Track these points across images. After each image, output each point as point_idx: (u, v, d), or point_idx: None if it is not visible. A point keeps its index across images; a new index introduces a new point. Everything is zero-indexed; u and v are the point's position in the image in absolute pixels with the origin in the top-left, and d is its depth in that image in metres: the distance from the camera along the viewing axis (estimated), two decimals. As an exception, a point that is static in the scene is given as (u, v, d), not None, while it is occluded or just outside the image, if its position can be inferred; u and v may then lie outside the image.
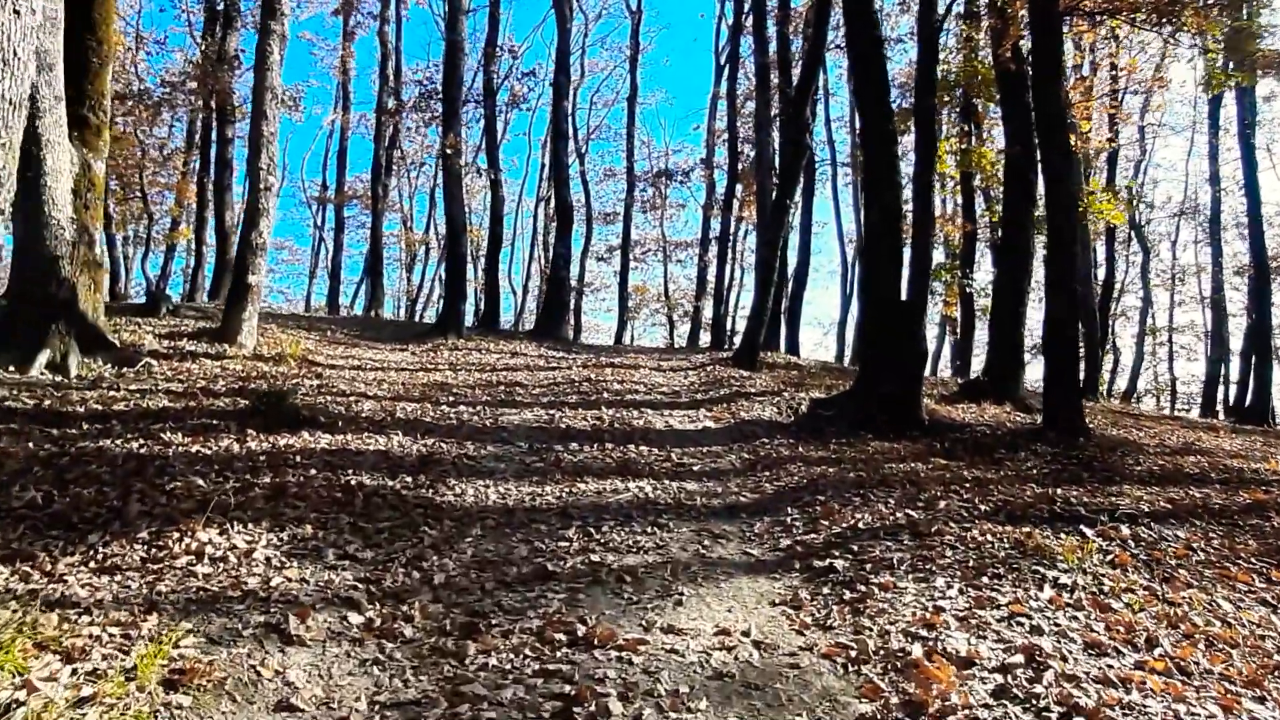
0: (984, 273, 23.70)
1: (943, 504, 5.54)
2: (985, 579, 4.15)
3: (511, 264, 41.50)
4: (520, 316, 37.27)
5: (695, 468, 7.03)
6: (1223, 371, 24.72)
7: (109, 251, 24.05)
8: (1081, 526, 5.16)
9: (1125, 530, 5.15)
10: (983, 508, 5.50)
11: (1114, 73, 22.92)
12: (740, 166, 22.35)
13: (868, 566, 4.32)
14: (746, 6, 21.98)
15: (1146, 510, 5.75)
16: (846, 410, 9.33)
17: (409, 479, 5.67)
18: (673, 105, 46.01)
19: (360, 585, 3.82)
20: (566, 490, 5.84)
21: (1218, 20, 8.19)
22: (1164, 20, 8.73)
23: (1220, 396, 24.69)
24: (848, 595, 3.98)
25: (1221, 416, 22.23)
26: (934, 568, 4.28)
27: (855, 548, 4.63)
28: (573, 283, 31.86)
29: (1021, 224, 11.40)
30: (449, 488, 5.58)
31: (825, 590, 4.09)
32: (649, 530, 4.99)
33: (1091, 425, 9.23)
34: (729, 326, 28.70)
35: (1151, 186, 32.37)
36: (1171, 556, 4.74)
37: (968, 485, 6.27)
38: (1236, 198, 27.76)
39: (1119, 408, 18.24)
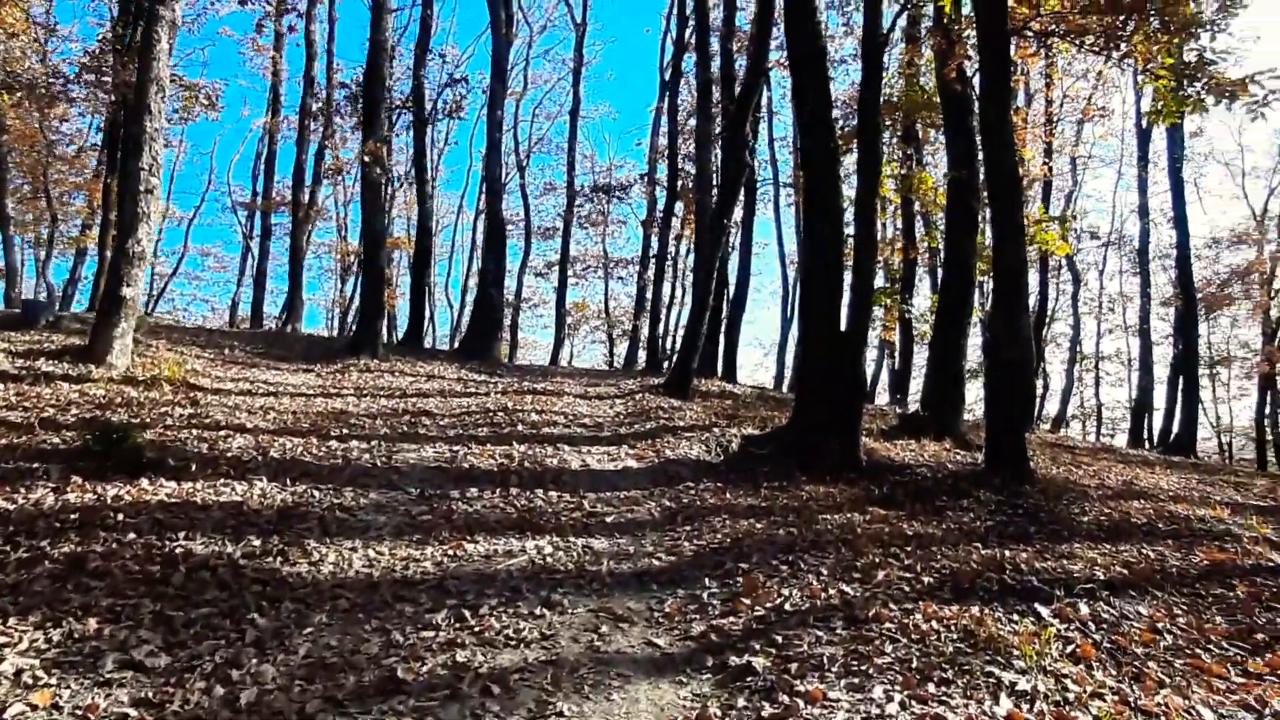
0: (922, 297, 23.60)
1: (881, 574, 4.85)
2: (932, 685, 3.44)
3: (449, 278, 40.32)
4: (456, 332, 36.07)
5: (609, 519, 6.24)
6: (1149, 400, 24.99)
7: (6, 254, 22.33)
8: (1036, 605, 4.52)
9: (1084, 609, 4.53)
10: (926, 580, 4.82)
11: (1049, 104, 23.14)
12: (680, 184, 21.78)
13: (793, 667, 3.57)
14: (690, 23, 21.51)
15: (1103, 579, 5.15)
16: (780, 449, 8.66)
17: (257, 542, 4.75)
18: (616, 119, 45.69)
19: (134, 711, 2.92)
20: (450, 553, 4.98)
21: (1169, 46, 7.81)
22: (1112, 45, 8.34)
23: (1146, 424, 24.93)
24: (767, 711, 3.23)
25: (1148, 446, 22.39)
26: (871, 669, 3.56)
27: (780, 638, 3.88)
28: (510, 298, 30.93)
29: (963, 252, 10.96)
30: (305, 554, 4.68)
31: (741, 702, 3.33)
32: (538, 611, 4.17)
33: (1032, 464, 8.75)
34: (668, 346, 28.08)
35: (1082, 216, 32.91)
36: (1137, 643, 4.12)
37: (909, 546, 5.60)
38: (1164, 230, 28.35)
39: (1054, 439, 18.07)
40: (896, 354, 21.77)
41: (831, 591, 4.51)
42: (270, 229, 26.17)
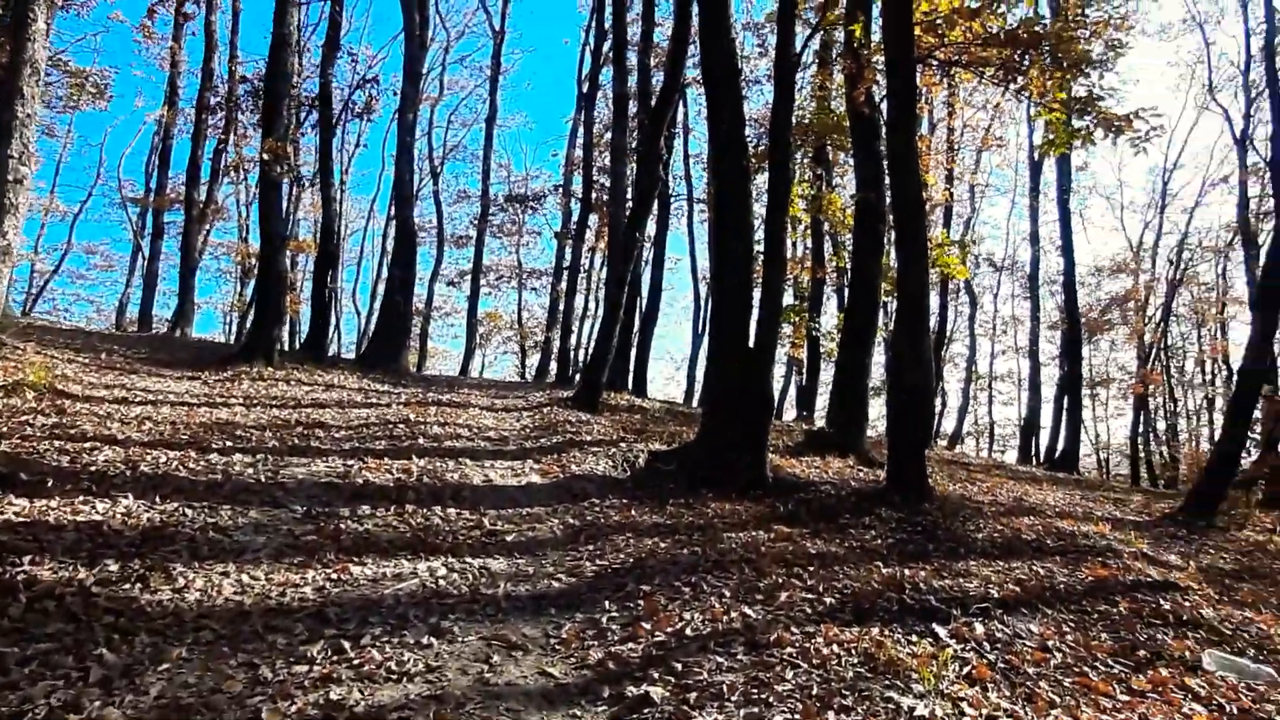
0: (829, 316, 24.13)
1: (784, 595, 4.78)
2: (831, 714, 3.36)
3: (357, 284, 39.13)
4: (363, 340, 34.93)
5: (509, 538, 6.00)
6: (1037, 419, 26.19)
7: None
8: (934, 625, 4.53)
9: (980, 628, 4.56)
10: (828, 600, 4.78)
11: (950, 132, 24.13)
12: (595, 196, 21.69)
13: (692, 697, 3.44)
14: (609, 37, 21.51)
15: (997, 596, 5.23)
16: (687, 465, 8.59)
17: (114, 567, 4.33)
18: (533, 130, 45.34)
19: (-59, 770, 2.55)
20: (334, 578, 4.66)
21: (1062, 81, 8.15)
22: (1010, 77, 8.66)
23: (1034, 441, 26.11)
24: (662, 745, 3.08)
25: (1036, 462, 23.44)
26: (772, 698, 3.45)
27: (680, 665, 3.75)
28: (420, 307, 30.15)
29: (869, 273, 11.18)
30: (169, 579, 4.29)
31: (636, 736, 3.17)
32: (425, 640, 3.91)
33: (931, 482, 8.94)
34: (579, 358, 27.88)
35: (980, 242, 34.43)
36: (1030, 663, 4.17)
37: (812, 566, 5.57)
38: (1052, 257, 29.89)
39: (950, 455, 18.71)
40: (804, 370, 22.15)
41: (734, 614, 4.40)
42: (163, 228, 24.80)
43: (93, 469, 5.97)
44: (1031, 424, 24.99)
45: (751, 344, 8.65)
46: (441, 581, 4.80)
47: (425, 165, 32.01)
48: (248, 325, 32.60)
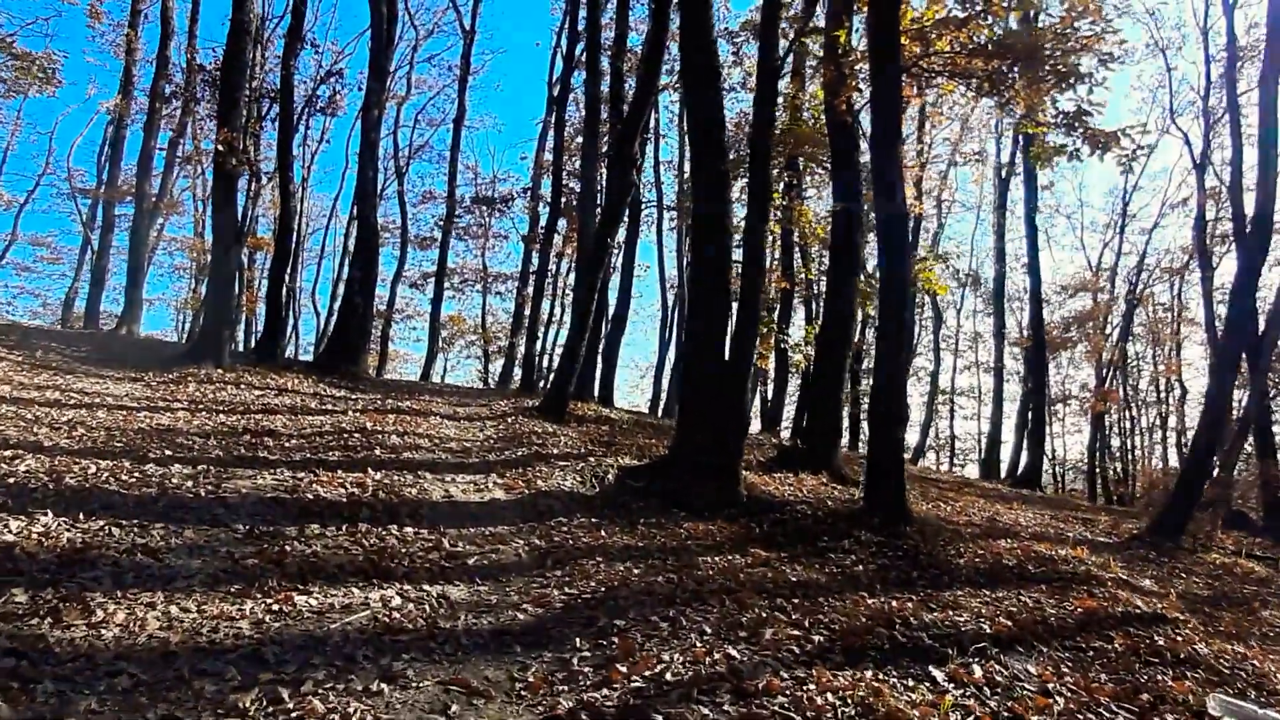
0: (796, 327, 23.95)
1: (769, 632, 4.43)
2: (831, 778, 3.02)
3: (317, 284, 38.16)
4: (322, 341, 34.02)
5: (470, 560, 5.59)
6: (999, 434, 26.30)
7: None
8: (930, 667, 4.22)
9: (977, 670, 4.27)
10: (816, 638, 4.44)
11: (920, 145, 24.15)
12: (565, 200, 21.29)
13: (675, 758, 3.07)
14: (581, 40, 21.17)
15: (989, 632, 4.95)
16: (659, 482, 8.24)
17: (22, 599, 3.83)
18: (502, 132, 44.64)
19: None
20: (276, 608, 4.21)
21: (1051, 94, 7.98)
22: (997, 89, 8.47)
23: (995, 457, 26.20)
24: (643, 819, 2.70)
25: (998, 478, 23.47)
26: (764, 759, 3.10)
27: (661, 717, 3.38)
28: (381, 309, 29.41)
29: (845, 285, 10.95)
30: (86, 612, 3.80)
31: (612, 806, 2.79)
32: (375, 686, 3.49)
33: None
34: (545, 365, 27.39)
35: (952, 258, 34.71)
36: (1033, 709, 3.89)
37: (795, 597, 5.25)
38: (1016, 274, 30.16)
39: (916, 470, 18.59)
40: (770, 383, 21.93)
41: (717, 655, 4.04)
42: (114, 221, 23.81)
43: (10, 481, 5.43)
44: (995, 440, 25.07)
45: (727, 357, 8.34)
46: (395, 614, 4.37)
47: (390, 165, 31.28)
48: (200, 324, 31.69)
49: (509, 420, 11.51)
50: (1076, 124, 7.80)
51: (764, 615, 4.73)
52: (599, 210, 17.48)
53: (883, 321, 7.81)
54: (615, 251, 16.15)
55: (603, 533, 6.72)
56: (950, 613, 5.25)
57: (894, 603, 5.28)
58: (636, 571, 5.63)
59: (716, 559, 6.27)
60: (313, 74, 23.77)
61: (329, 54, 28.10)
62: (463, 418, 11.59)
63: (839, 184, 11.46)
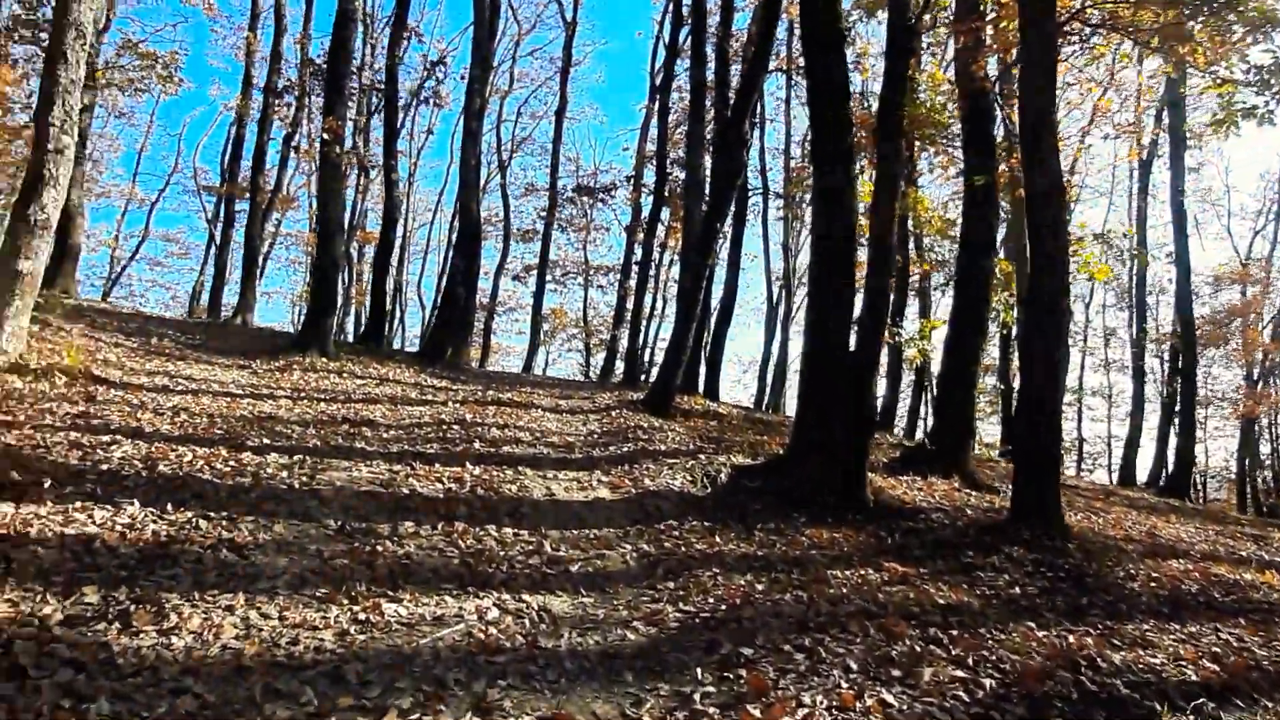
0: (909, 320, 22.62)
1: (928, 672, 3.70)
2: None
3: (422, 276, 38.93)
4: (426, 332, 34.66)
5: (574, 567, 5.05)
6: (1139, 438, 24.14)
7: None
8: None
9: (1199, 736, 3.42)
10: (987, 682, 3.68)
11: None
12: (669, 189, 20.69)
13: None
14: (686, 23, 20.52)
15: (1195, 679, 4.05)
16: (776, 483, 7.54)
17: (94, 598, 3.50)
18: (604, 124, 44.39)
19: None
20: (363, 618, 3.77)
21: (1239, 48, 6.84)
22: (1172, 43, 7.35)
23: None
24: None
25: (1136, 484, 21.53)
26: None
27: (807, 782, 2.72)
28: (484, 301, 29.63)
29: (980, 271, 9.94)
30: (158, 616, 3.44)
31: None
32: (466, 721, 2.97)
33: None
34: (646, 359, 26.93)
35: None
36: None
37: (950, 625, 4.47)
38: (1161, 264, 27.73)
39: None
40: (883, 379, 20.76)
41: (869, 701, 3.35)
42: (234, 216, 24.71)
43: (103, 468, 5.22)
44: (1133, 443, 23.01)
45: (852, 350, 7.55)
46: (492, 629, 3.86)
47: (493, 158, 31.54)
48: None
49: (613, 414, 11.00)
50: (1273, 80, 6.63)
51: (917, 649, 3.98)
52: (705, 198, 16.84)
53: (1036, 289, 6.83)
54: (721, 240, 15.41)
55: (717, 539, 6.08)
56: (1141, 652, 4.36)
57: (1070, 637, 4.43)
58: (760, 587, 4.96)
59: (848, 573, 5.53)
60: (418, 70, 24.07)
61: (434, 51, 28.47)
62: (565, 411, 11.16)
63: (971, 160, 10.41)
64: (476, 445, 7.92)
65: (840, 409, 7.47)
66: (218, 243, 26.09)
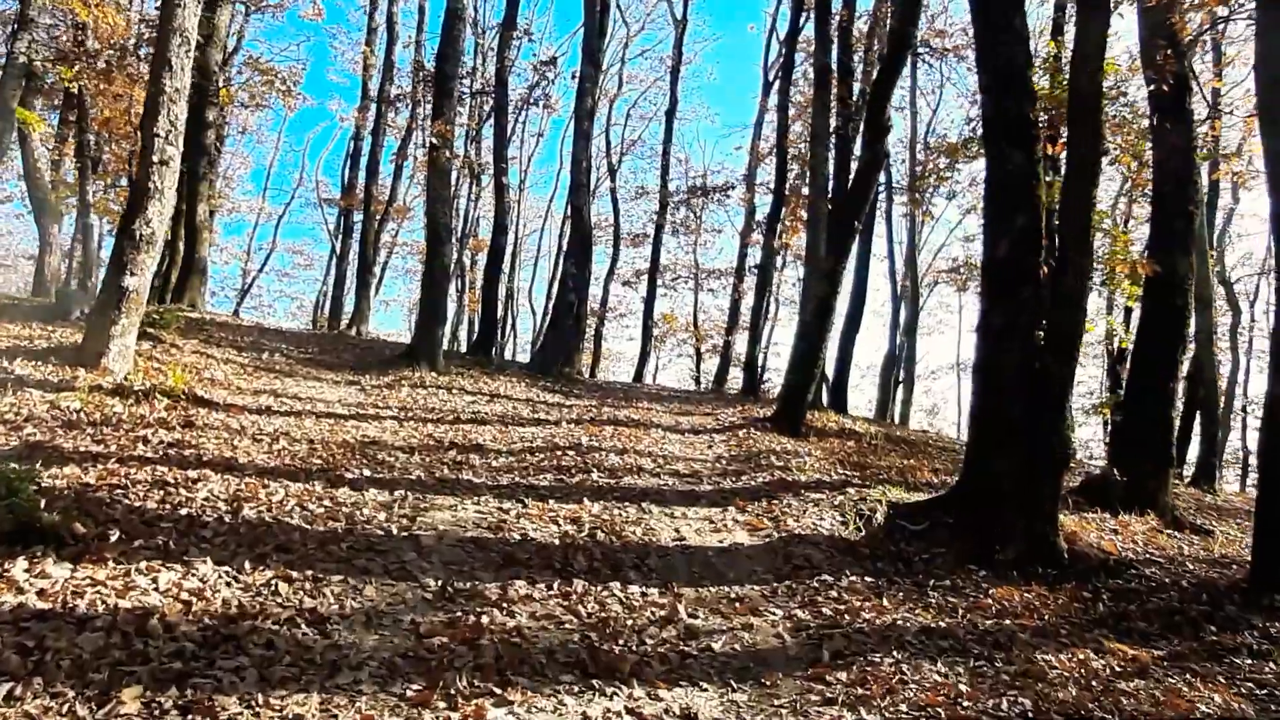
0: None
1: None
2: None
3: (533, 283, 38.89)
4: (539, 340, 34.52)
5: (717, 644, 4.10)
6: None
7: (85, 242, 21.72)
8: None
9: None
10: None
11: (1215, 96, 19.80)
12: (789, 186, 19.45)
13: None
14: (805, 10, 19.27)
15: None
16: (945, 525, 6.36)
17: (133, 706, 2.78)
18: (714, 123, 43.14)
19: None
20: (459, 735, 2.92)
21: None
22: None
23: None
24: None
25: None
26: None
27: None
28: (594, 307, 29.11)
29: (1177, 271, 8.39)
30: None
31: None
32: None
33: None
34: (761, 363, 25.72)
35: (1236, 239, 29.09)
36: None
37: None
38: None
39: (1219, 500, 14.85)
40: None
41: None
42: (352, 227, 25.10)
43: (183, 513, 4.62)
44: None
45: (1038, 366, 6.28)
46: (623, 750, 2.94)
47: (603, 163, 31.06)
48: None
49: (739, 434, 9.98)
50: None
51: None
52: (828, 195, 15.59)
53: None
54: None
55: (885, 602, 4.99)
56: None
57: None
58: (962, 683, 3.86)
59: (1063, 657, 4.35)
60: (528, 76, 23.73)
61: (544, 55, 28.17)
62: (686, 430, 10.22)
63: (1163, 143, 8.86)
64: (594, 475, 7.07)
65: (1024, 434, 6.22)
66: (338, 253, 26.63)
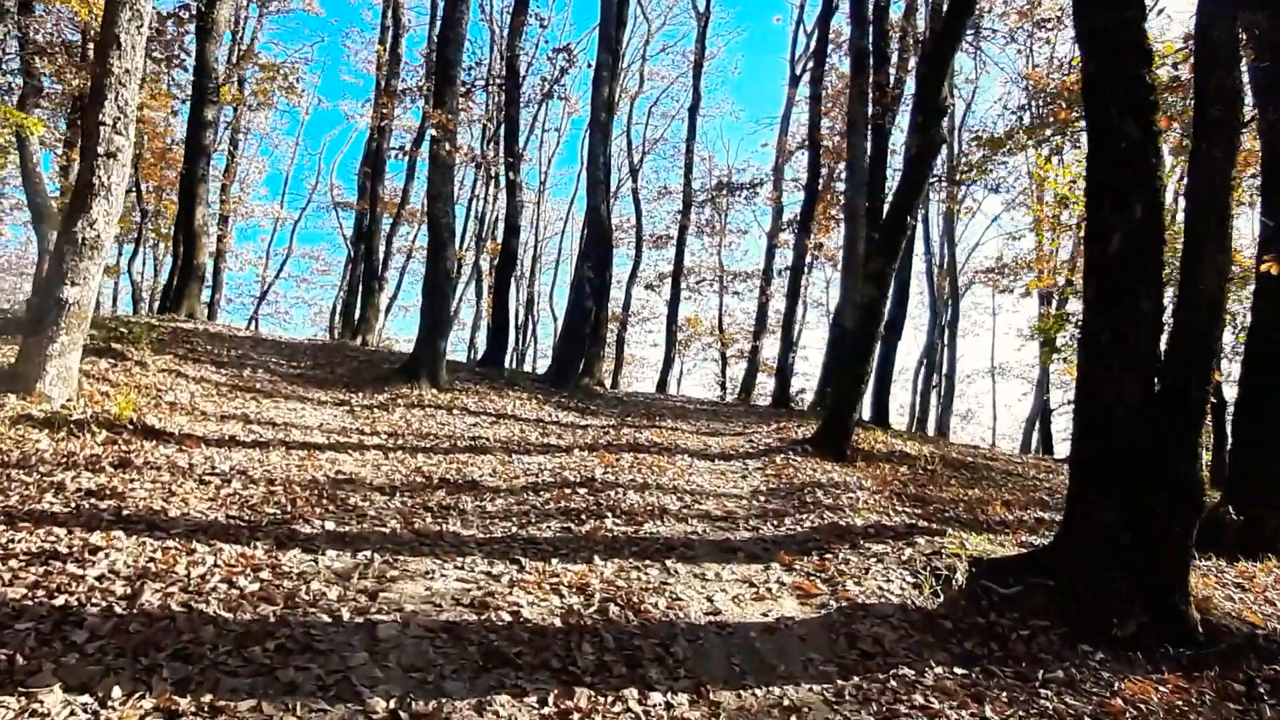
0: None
1: None
2: None
3: (554, 288, 37.85)
4: (556, 348, 33.40)
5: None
6: None
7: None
8: None
9: None
10: None
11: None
12: (822, 182, 18.19)
13: None
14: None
15: None
16: (1043, 589, 5.11)
17: None
18: (739, 119, 41.51)
19: None
20: None
21: None
22: None
23: None
24: None
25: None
26: None
27: None
28: (615, 310, 27.97)
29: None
30: None
31: None
32: None
33: None
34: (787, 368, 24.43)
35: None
36: None
37: None
38: None
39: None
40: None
41: None
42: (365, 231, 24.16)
43: (56, 603, 3.49)
44: None
45: (1161, 390, 5.03)
46: None
47: (624, 163, 30.00)
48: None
49: (777, 460, 8.75)
50: None
51: None
52: (867, 186, 14.36)
53: None
54: (911, 231, 12.89)
55: (988, 710, 3.77)
56: None
57: None
58: None
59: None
60: (547, 74, 22.65)
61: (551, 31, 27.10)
62: (716, 455, 9.00)
63: (1270, 112, 7.53)
64: (609, 521, 5.88)
65: (1146, 478, 4.96)
66: (353, 259, 25.74)
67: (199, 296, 17.15)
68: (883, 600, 4.95)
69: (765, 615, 4.65)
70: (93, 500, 4.80)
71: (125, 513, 4.65)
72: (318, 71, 47.46)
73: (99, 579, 3.75)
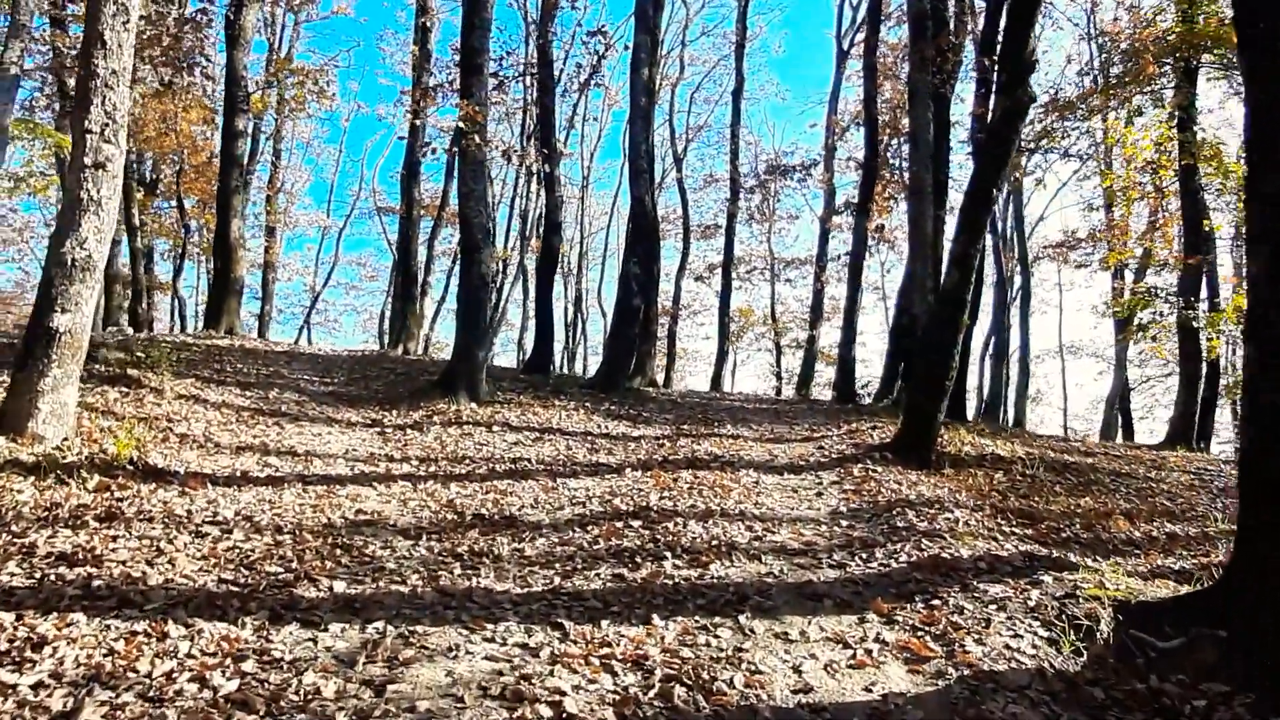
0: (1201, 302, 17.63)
1: None
2: None
3: (602, 284, 37.04)
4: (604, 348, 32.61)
5: None
6: None
7: (133, 266, 20.84)
8: None
9: None
10: None
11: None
12: (880, 158, 16.99)
13: None
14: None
15: None
16: (1214, 642, 4.08)
17: None
18: (785, 101, 39.84)
19: None
20: None
21: None
22: None
23: None
24: None
25: None
26: None
27: None
28: (666, 305, 27.06)
29: None
30: None
31: None
32: None
33: None
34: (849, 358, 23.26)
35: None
36: None
37: None
38: None
39: None
40: (1183, 389, 16.08)
41: None
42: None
43: (-29, 730, 2.76)
44: None
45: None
46: None
47: (668, 153, 29.06)
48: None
49: (854, 472, 7.75)
50: None
51: None
52: (931, 160, 13.22)
53: None
54: (997, 206, 11.73)
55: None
56: None
57: None
58: None
59: None
60: (579, 60, 21.81)
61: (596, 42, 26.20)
62: (785, 466, 8.05)
63: None
64: (668, 564, 5.00)
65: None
66: (398, 264, 25.35)
67: (238, 311, 16.76)
68: (1014, 665, 3.97)
69: (869, 690, 3.72)
70: (62, 569, 4.10)
71: (95, 584, 3.93)
72: (356, 78, 47.48)
73: (34, 689, 3.00)
